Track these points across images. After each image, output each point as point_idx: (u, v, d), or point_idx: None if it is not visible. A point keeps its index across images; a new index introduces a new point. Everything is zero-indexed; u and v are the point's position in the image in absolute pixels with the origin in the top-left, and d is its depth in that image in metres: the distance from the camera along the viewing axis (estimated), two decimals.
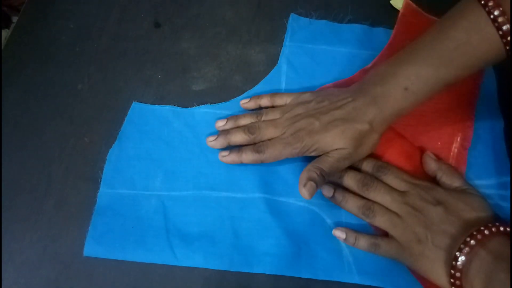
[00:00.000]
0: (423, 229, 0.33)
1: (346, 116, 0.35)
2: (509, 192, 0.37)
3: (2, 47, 0.47)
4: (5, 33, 0.75)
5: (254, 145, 0.37)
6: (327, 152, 0.36)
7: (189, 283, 0.36)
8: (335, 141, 0.35)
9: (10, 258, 0.37)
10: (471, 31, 0.31)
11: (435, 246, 0.32)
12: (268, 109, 0.40)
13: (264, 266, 0.35)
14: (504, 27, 0.29)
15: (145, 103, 0.43)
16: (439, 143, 0.39)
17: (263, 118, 0.39)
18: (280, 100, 0.40)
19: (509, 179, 0.37)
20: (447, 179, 0.36)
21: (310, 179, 0.34)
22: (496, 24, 0.29)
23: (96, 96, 0.44)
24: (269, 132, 0.37)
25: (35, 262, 0.36)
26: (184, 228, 0.37)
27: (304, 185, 0.33)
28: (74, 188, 0.39)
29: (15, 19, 0.76)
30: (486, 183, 0.37)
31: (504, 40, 0.30)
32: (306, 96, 0.39)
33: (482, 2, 0.30)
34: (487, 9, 0.30)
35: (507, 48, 0.30)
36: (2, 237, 0.37)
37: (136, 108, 0.43)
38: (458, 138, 0.39)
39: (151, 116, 0.42)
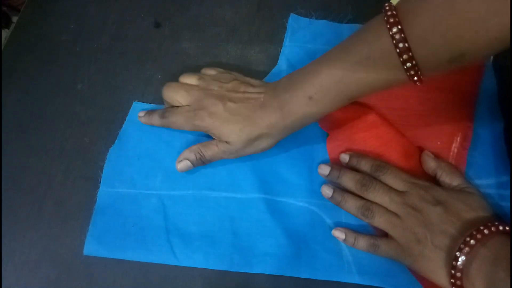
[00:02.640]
0: (423, 230, 0.32)
1: (251, 114, 0.36)
2: (509, 191, 0.37)
3: (2, 47, 0.47)
4: (5, 33, 0.75)
5: (162, 110, 0.39)
6: (218, 140, 0.37)
7: (189, 283, 0.36)
8: (230, 135, 0.36)
9: (10, 258, 0.37)
10: (373, 46, 0.30)
11: (435, 247, 0.32)
12: (205, 69, 0.42)
13: (264, 266, 0.36)
14: (400, 45, 0.28)
15: (145, 103, 0.43)
16: (439, 143, 0.39)
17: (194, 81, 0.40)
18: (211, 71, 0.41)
19: (509, 178, 0.37)
20: (446, 177, 0.36)
21: (187, 158, 0.37)
22: (394, 41, 0.28)
23: (96, 96, 0.44)
24: (179, 96, 0.38)
25: (35, 262, 0.36)
26: (184, 227, 0.37)
27: (180, 161, 0.38)
28: (74, 188, 0.39)
29: (15, 19, 0.76)
30: (485, 183, 0.37)
31: (401, 59, 0.29)
32: (228, 76, 0.39)
33: (385, 18, 0.29)
34: (388, 25, 0.29)
35: (405, 68, 0.29)
36: (2, 237, 0.37)
37: (137, 108, 0.43)
38: (458, 138, 0.39)
39: None
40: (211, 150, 0.37)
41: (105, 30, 0.48)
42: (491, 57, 0.43)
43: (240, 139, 0.36)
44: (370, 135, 0.39)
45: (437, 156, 0.38)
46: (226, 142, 0.36)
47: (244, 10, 0.49)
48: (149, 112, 0.40)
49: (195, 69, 0.46)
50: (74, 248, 0.37)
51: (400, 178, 0.35)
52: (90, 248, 0.36)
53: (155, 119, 0.39)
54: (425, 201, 0.33)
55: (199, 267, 0.36)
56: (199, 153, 0.37)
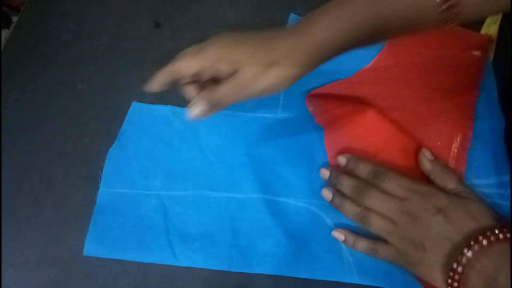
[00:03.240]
0: (421, 238, 0.32)
1: (264, 40, 0.32)
2: (509, 191, 0.36)
3: (2, 47, 0.47)
4: (5, 33, 0.75)
5: None
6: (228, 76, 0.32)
7: (189, 283, 0.36)
8: (240, 59, 0.32)
9: (10, 258, 0.37)
10: None
11: (433, 255, 0.31)
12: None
13: (264, 267, 0.36)
14: None
15: (145, 103, 0.43)
16: (439, 143, 0.39)
17: None
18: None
19: (509, 178, 0.37)
20: (440, 181, 0.35)
21: (197, 105, 0.33)
22: None
23: (96, 96, 0.44)
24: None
25: (35, 262, 0.36)
26: (184, 228, 0.37)
27: (191, 108, 0.33)
28: (74, 188, 0.39)
29: (15, 19, 0.76)
30: (485, 183, 0.37)
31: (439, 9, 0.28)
32: None
33: None
34: None
35: (440, 12, 0.28)
36: (2, 237, 0.37)
37: (136, 108, 0.43)
38: (458, 138, 0.39)
39: (151, 116, 0.42)
40: (220, 91, 0.32)
41: (105, 30, 0.48)
42: (491, 57, 0.43)
43: (253, 63, 0.31)
44: (370, 131, 0.39)
45: (437, 156, 0.38)
46: (238, 70, 0.32)
47: (244, 10, 0.49)
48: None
49: None
50: (74, 248, 0.37)
51: (399, 185, 0.35)
52: (90, 248, 0.36)
53: None
54: (425, 210, 0.33)
55: (199, 267, 0.36)
56: (207, 96, 0.32)
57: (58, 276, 0.36)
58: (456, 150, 0.39)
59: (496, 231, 0.30)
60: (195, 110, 0.33)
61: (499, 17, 0.43)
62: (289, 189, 0.38)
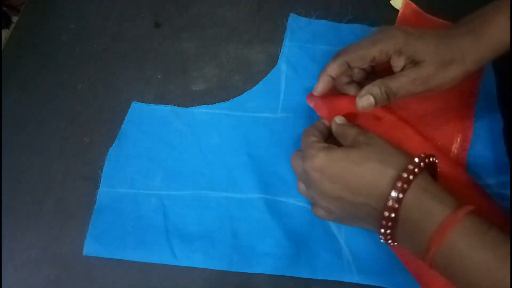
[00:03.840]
0: (352, 212, 0.31)
1: (445, 34, 0.33)
2: (509, 191, 0.36)
3: (2, 47, 0.47)
4: (5, 33, 0.75)
5: None
6: (406, 68, 0.33)
7: (189, 283, 0.36)
8: (424, 53, 0.32)
9: (10, 258, 0.37)
10: None
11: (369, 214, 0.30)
12: None
13: (264, 266, 0.36)
14: None
15: (145, 103, 0.43)
16: (439, 143, 0.39)
17: None
18: None
19: (509, 178, 0.37)
20: (341, 139, 0.34)
21: (371, 93, 0.32)
22: None
23: (96, 96, 0.44)
24: None
25: (35, 262, 0.36)
26: (183, 228, 0.37)
27: (362, 97, 0.32)
28: (74, 188, 0.39)
29: (15, 19, 0.76)
30: (485, 183, 0.37)
31: None
32: None
33: None
34: None
35: None
36: (2, 237, 0.37)
37: (136, 108, 0.43)
38: (458, 139, 0.39)
39: (151, 115, 0.42)
40: (397, 81, 0.32)
41: (105, 30, 0.48)
42: None
43: (434, 59, 0.32)
44: (369, 122, 0.37)
45: (437, 157, 0.37)
46: (418, 63, 0.32)
47: (244, 10, 0.49)
48: None
49: (195, 69, 0.46)
50: (74, 248, 0.37)
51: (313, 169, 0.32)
52: (90, 248, 0.36)
53: None
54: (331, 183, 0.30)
55: (199, 267, 0.36)
56: (384, 85, 0.32)
57: (58, 276, 0.36)
58: (456, 150, 0.39)
59: (410, 167, 0.28)
60: (366, 101, 0.32)
61: None
62: (289, 189, 0.38)
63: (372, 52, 0.33)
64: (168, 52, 0.46)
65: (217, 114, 0.42)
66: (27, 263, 0.36)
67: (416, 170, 0.27)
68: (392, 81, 0.32)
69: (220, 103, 0.43)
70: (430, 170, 0.30)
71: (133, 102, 0.43)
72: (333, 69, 0.34)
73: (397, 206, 0.27)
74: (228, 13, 0.49)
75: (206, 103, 0.43)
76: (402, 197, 0.27)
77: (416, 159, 0.28)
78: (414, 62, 0.33)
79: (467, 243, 0.25)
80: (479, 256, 0.25)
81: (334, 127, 0.35)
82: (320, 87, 0.35)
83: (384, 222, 0.28)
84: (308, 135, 0.34)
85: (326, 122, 0.36)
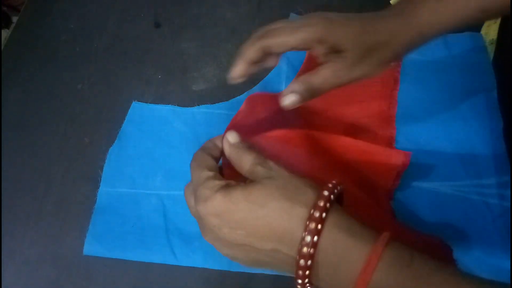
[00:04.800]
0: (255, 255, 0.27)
1: (369, 18, 0.30)
2: (509, 191, 0.36)
3: (2, 47, 0.47)
4: (5, 33, 0.75)
5: None
6: (328, 60, 0.30)
7: (189, 283, 0.36)
8: (346, 40, 0.29)
9: (10, 258, 0.37)
10: None
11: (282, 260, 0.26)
12: None
13: None
14: None
15: (145, 103, 0.43)
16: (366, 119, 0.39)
17: None
18: None
19: (509, 178, 0.37)
20: (236, 163, 0.29)
21: (294, 91, 0.29)
22: None
23: (96, 96, 0.44)
24: None
25: (35, 262, 0.36)
26: (183, 227, 0.37)
27: (285, 96, 0.29)
28: (74, 188, 0.39)
29: (15, 19, 0.76)
30: (486, 183, 0.37)
31: None
32: None
33: None
34: None
35: None
36: (2, 237, 0.37)
37: (136, 108, 0.43)
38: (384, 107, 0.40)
39: (151, 115, 0.42)
40: (320, 76, 0.29)
41: (105, 30, 0.48)
42: (491, 57, 0.43)
43: (357, 46, 0.29)
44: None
45: (365, 131, 0.38)
46: (341, 52, 0.29)
47: (244, 10, 0.49)
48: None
49: (195, 69, 0.46)
50: (74, 248, 0.36)
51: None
52: (90, 247, 0.36)
53: None
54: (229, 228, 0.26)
55: (199, 267, 0.36)
56: (306, 83, 0.30)
57: (58, 276, 0.36)
58: (383, 114, 0.40)
59: (320, 203, 0.24)
60: (288, 100, 0.29)
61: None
62: None
63: (290, 41, 0.29)
64: (168, 52, 0.46)
65: (217, 114, 0.42)
66: (27, 263, 0.36)
67: (327, 205, 0.24)
68: (314, 77, 0.30)
69: (220, 103, 0.43)
70: (338, 198, 0.26)
71: (133, 102, 0.43)
72: (250, 53, 0.31)
73: (312, 251, 0.24)
74: (228, 13, 0.49)
75: (206, 103, 0.43)
76: (317, 240, 0.23)
77: (325, 192, 0.24)
78: (337, 51, 0.29)
79: (394, 279, 0.22)
80: None
81: (227, 148, 0.30)
82: (236, 72, 0.31)
83: (300, 272, 0.24)
84: (200, 166, 0.29)
85: (219, 143, 0.31)
